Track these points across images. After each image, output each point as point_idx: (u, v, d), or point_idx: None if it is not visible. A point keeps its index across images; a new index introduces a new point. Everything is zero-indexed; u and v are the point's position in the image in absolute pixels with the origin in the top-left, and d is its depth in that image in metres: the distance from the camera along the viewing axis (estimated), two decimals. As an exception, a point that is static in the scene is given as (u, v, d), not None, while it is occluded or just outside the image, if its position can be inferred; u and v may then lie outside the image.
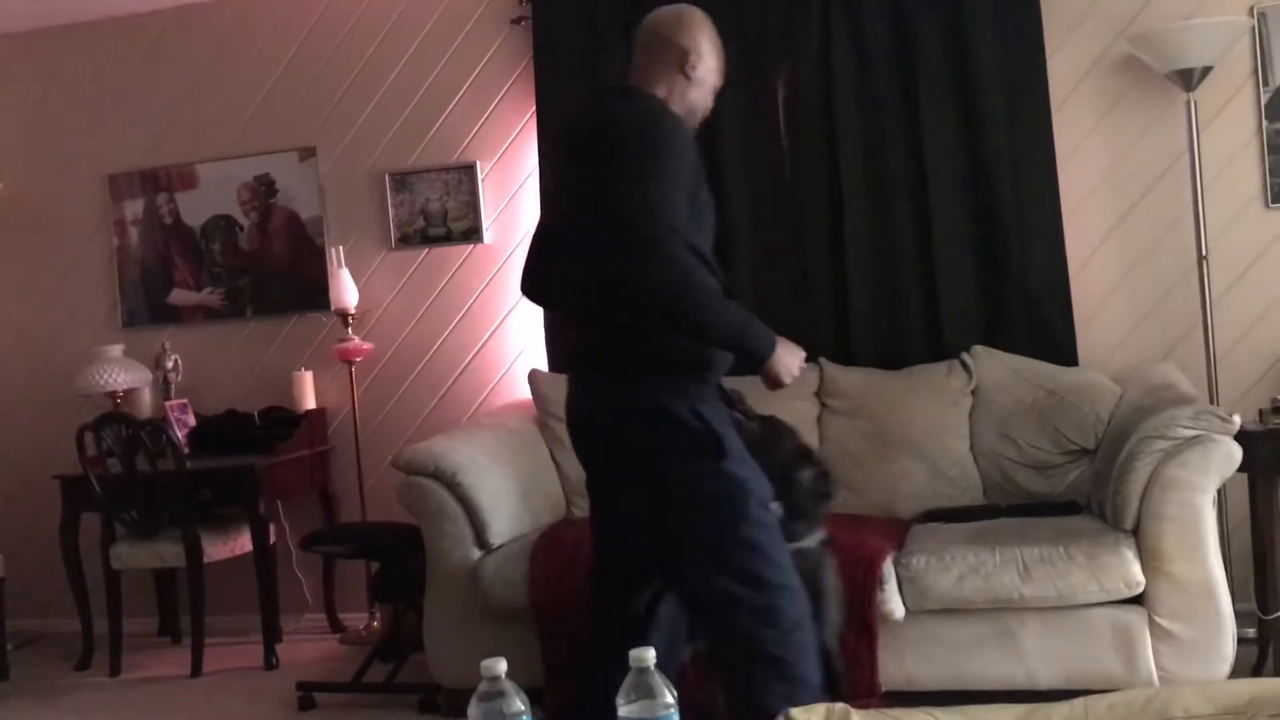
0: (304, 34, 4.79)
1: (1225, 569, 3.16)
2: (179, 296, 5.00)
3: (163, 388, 4.79)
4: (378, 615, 4.51)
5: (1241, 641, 3.23)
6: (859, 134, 4.09)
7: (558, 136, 2.65)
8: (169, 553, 4.37)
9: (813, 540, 2.90)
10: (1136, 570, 3.12)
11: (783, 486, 2.70)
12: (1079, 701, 1.44)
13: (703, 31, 2.60)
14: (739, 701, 2.48)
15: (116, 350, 4.77)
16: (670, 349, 2.43)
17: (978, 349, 3.94)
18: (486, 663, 1.55)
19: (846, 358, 4.09)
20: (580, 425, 2.59)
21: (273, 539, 4.52)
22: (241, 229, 4.91)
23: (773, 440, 2.82)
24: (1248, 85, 3.92)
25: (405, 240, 4.72)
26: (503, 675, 1.56)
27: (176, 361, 4.81)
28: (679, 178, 2.35)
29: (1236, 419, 3.14)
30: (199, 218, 4.95)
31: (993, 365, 3.89)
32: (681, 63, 2.55)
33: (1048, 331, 3.96)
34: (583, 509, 4.04)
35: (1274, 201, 3.91)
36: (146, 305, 5.02)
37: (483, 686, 1.55)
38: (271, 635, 4.39)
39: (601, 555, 2.68)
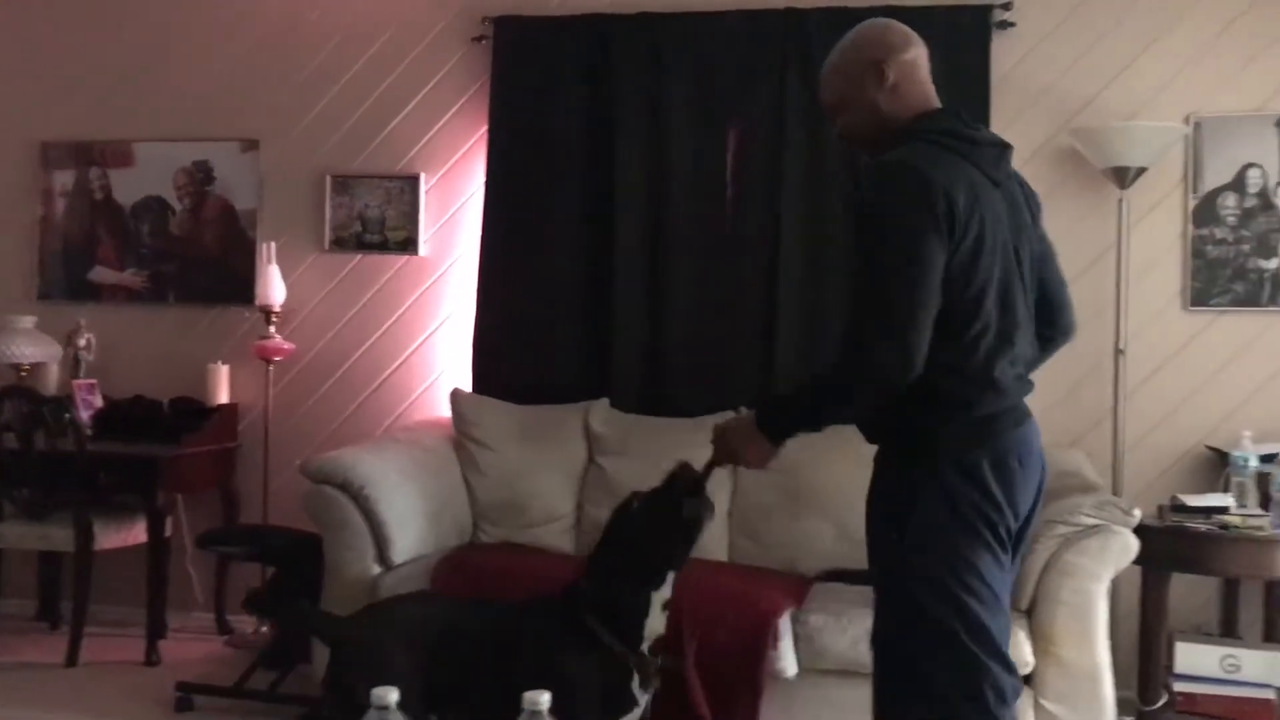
0: (260, 24, 4.73)
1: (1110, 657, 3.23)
2: (100, 274, 4.88)
3: (72, 366, 4.66)
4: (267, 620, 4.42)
5: (1120, 730, 3.30)
6: (802, 193, 4.14)
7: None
8: (58, 536, 4.24)
9: None
10: (1027, 650, 3.16)
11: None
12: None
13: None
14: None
15: (28, 322, 4.63)
16: None
17: (897, 416, 3.98)
18: (377, 691, 1.52)
19: (768, 410, 4.11)
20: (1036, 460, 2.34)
21: (168, 532, 4.41)
22: (174, 213, 4.81)
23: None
24: (1177, 190, 4.05)
25: (339, 243, 4.66)
26: (393, 706, 1.53)
27: (90, 340, 4.69)
28: None
29: (1137, 512, 3.23)
30: (131, 196, 4.84)
31: (909, 434, 3.93)
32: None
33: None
34: (489, 535, 4.01)
35: (1193, 304, 4.04)
36: (65, 280, 4.89)
37: (371, 716, 1.52)
38: (156, 630, 4.27)
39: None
